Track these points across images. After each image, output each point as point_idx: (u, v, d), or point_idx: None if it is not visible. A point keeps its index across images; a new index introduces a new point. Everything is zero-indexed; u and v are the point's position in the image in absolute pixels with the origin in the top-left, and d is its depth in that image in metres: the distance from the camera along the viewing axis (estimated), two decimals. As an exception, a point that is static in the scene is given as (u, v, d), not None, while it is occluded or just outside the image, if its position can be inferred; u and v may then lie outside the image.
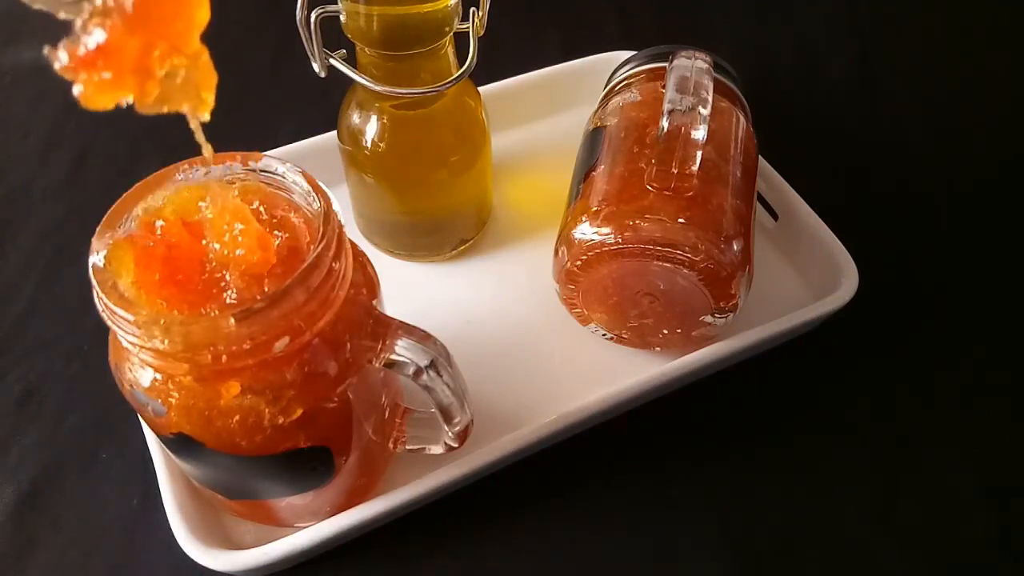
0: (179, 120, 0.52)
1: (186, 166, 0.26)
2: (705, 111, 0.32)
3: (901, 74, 0.54)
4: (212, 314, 0.23)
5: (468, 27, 0.35)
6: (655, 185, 0.32)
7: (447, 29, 0.33)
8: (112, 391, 0.26)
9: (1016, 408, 0.37)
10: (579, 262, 0.34)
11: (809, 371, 0.38)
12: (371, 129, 0.36)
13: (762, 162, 0.41)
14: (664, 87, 0.34)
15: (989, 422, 0.37)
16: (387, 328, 0.27)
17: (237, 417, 0.24)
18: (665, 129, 0.32)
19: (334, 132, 0.39)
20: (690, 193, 0.32)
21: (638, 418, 0.36)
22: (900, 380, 0.38)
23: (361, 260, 0.29)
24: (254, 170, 0.26)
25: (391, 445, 0.32)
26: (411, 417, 0.32)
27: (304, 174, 0.26)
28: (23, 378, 0.38)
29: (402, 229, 0.41)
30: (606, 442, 0.35)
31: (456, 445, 0.31)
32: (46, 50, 0.18)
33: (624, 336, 0.37)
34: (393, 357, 0.26)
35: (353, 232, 0.42)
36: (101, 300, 0.22)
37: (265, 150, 0.35)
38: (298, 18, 0.32)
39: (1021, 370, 0.38)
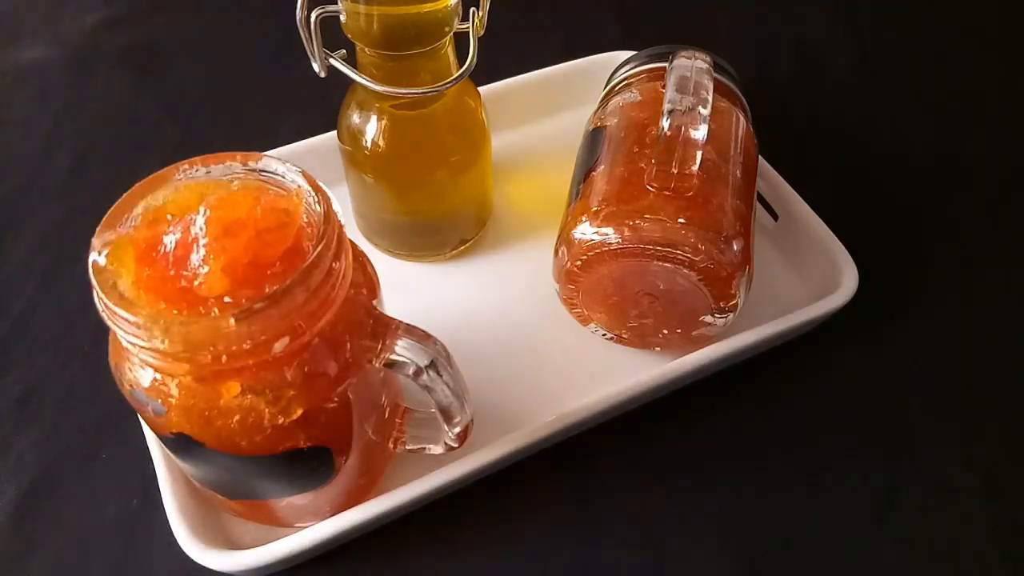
0: (179, 120, 0.52)
1: (186, 166, 0.26)
2: (705, 111, 0.32)
3: (901, 74, 0.53)
4: (212, 314, 0.23)
5: (468, 27, 0.35)
6: (655, 185, 0.32)
7: (447, 29, 0.33)
8: (112, 391, 0.26)
9: (1016, 408, 0.37)
10: (579, 262, 0.34)
11: (809, 371, 0.38)
12: (371, 129, 0.36)
13: (762, 162, 0.41)
14: (664, 87, 0.34)
15: (989, 422, 0.37)
16: (387, 328, 0.27)
17: (237, 417, 0.24)
18: (665, 129, 0.32)
19: (334, 132, 0.39)
20: (690, 193, 0.32)
21: (638, 418, 0.36)
22: (900, 379, 0.38)
23: (361, 260, 0.29)
24: (254, 170, 0.26)
25: (391, 445, 0.32)
26: (411, 417, 0.32)
27: (304, 174, 0.26)
28: (23, 378, 0.38)
29: (402, 229, 0.41)
30: (606, 442, 0.35)
31: (456, 445, 0.31)
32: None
33: (624, 336, 0.37)
34: (393, 357, 0.26)
35: (353, 232, 0.42)
36: (101, 300, 0.22)
37: (265, 150, 0.35)
38: (298, 18, 0.32)
39: (1021, 370, 0.38)
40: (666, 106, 0.33)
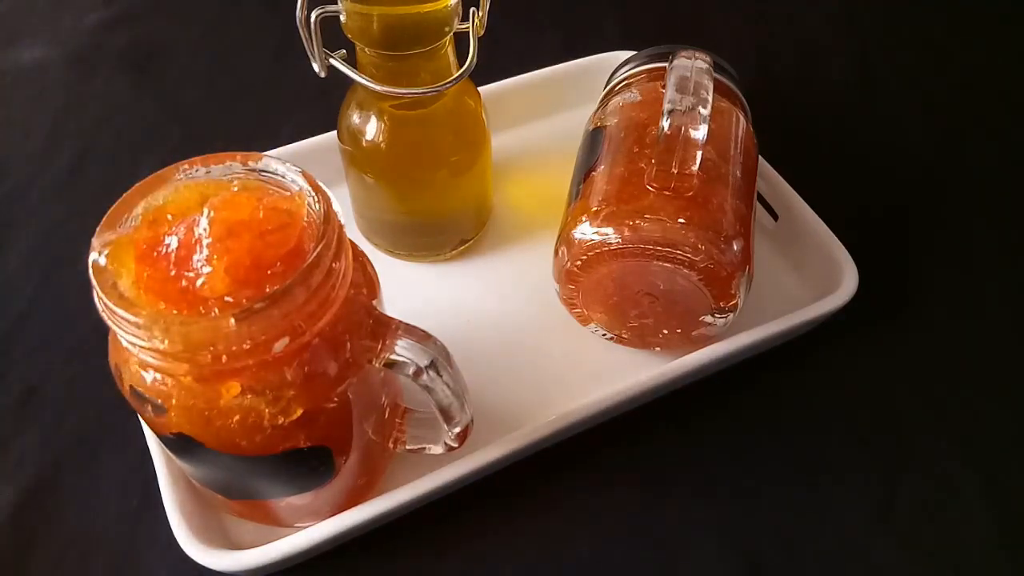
0: (179, 120, 0.52)
1: (186, 166, 0.26)
2: (705, 111, 0.32)
3: (901, 74, 0.54)
4: (212, 314, 0.23)
5: (468, 27, 0.35)
6: (655, 185, 0.32)
7: (447, 29, 0.33)
8: (112, 391, 0.26)
9: (1016, 408, 0.37)
10: (579, 262, 0.34)
11: (809, 371, 0.38)
12: (371, 129, 0.36)
13: (762, 162, 0.41)
14: (664, 87, 0.34)
15: (989, 422, 0.36)
16: (387, 328, 0.27)
17: (237, 417, 0.24)
18: (665, 129, 0.32)
19: (334, 132, 0.39)
20: (690, 193, 0.32)
21: (638, 418, 0.36)
22: (900, 380, 0.38)
23: (361, 260, 0.29)
24: (254, 170, 0.26)
25: (391, 445, 0.32)
26: (411, 417, 0.32)
27: (304, 174, 0.26)
28: (23, 378, 0.38)
29: (402, 229, 0.41)
30: (606, 442, 0.35)
31: (456, 445, 0.31)
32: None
33: (624, 336, 0.37)
34: (393, 357, 0.26)
35: (353, 232, 0.42)
36: (101, 300, 0.22)
37: (265, 150, 0.35)
38: (298, 18, 0.32)
39: (1021, 369, 0.38)
40: (666, 106, 0.33)
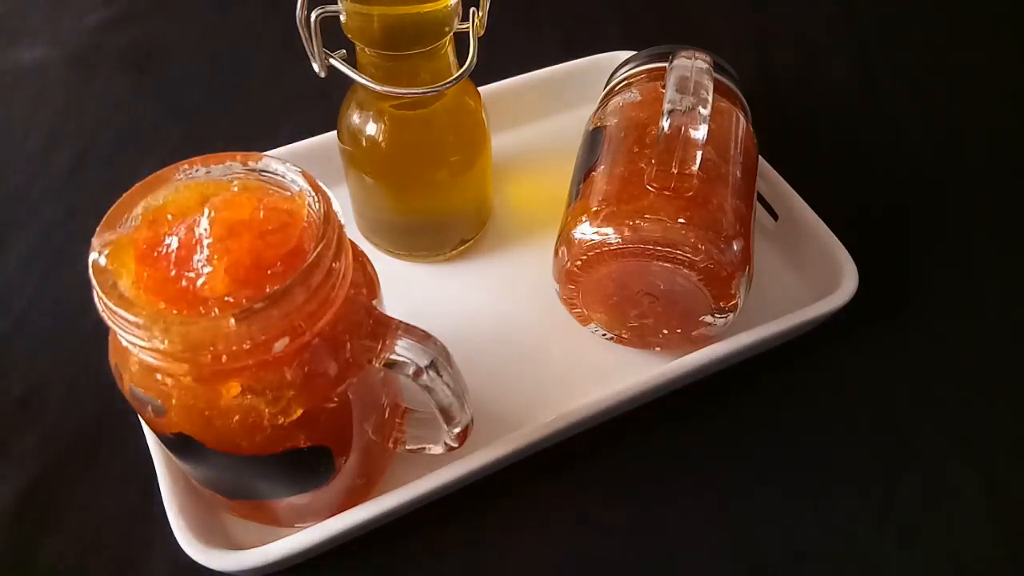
0: (179, 120, 0.52)
1: (186, 166, 0.26)
2: (705, 111, 0.32)
3: (901, 74, 0.54)
4: (212, 314, 0.23)
5: (468, 27, 0.35)
6: (655, 185, 0.32)
7: (447, 29, 0.33)
8: (112, 391, 0.26)
9: (1016, 408, 0.37)
10: (579, 262, 0.34)
11: (809, 371, 0.38)
12: (371, 129, 0.36)
13: (762, 162, 0.41)
14: (664, 87, 0.34)
15: (989, 422, 0.36)
16: (387, 328, 0.27)
17: (237, 417, 0.24)
18: (665, 129, 0.32)
19: (334, 132, 0.39)
20: (690, 193, 0.32)
21: (638, 418, 0.36)
22: (900, 380, 0.38)
23: (361, 260, 0.29)
24: (254, 170, 0.26)
25: (391, 445, 0.32)
26: (411, 417, 0.32)
27: (304, 174, 0.26)
28: (23, 378, 0.38)
29: (402, 229, 0.41)
30: (606, 442, 0.35)
31: (456, 445, 0.31)
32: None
33: (624, 336, 0.37)
34: (393, 357, 0.26)
35: (353, 232, 0.42)
36: (101, 300, 0.22)
37: (265, 150, 0.35)
38: (298, 18, 0.32)
39: (1021, 369, 0.38)
40: (666, 106, 0.33)
